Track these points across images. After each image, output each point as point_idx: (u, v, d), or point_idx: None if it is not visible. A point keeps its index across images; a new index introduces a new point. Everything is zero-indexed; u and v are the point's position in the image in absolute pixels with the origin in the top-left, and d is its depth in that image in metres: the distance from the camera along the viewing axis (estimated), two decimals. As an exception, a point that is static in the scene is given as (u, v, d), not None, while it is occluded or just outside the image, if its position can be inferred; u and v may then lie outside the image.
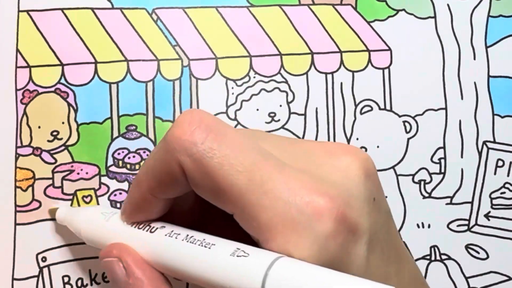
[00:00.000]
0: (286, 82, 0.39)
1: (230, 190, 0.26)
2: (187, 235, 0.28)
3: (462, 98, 0.41)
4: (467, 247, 0.40)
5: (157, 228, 0.29)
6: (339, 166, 0.28)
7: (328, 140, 0.40)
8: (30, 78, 0.37)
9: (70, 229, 0.34)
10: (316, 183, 0.26)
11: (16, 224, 0.36)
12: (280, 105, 0.39)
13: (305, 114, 0.39)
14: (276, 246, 0.25)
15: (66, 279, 0.36)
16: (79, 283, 0.36)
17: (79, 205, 0.37)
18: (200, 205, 0.31)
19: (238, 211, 0.26)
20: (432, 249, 0.40)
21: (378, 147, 0.40)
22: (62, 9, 0.37)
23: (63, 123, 0.37)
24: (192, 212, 0.31)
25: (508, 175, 0.41)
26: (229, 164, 0.26)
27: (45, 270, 0.36)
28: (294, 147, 0.29)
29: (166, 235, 0.28)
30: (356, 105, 0.40)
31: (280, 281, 0.24)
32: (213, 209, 0.28)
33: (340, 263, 0.25)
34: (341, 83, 0.40)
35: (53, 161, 0.37)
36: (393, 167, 0.40)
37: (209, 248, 0.27)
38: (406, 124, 0.40)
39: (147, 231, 0.29)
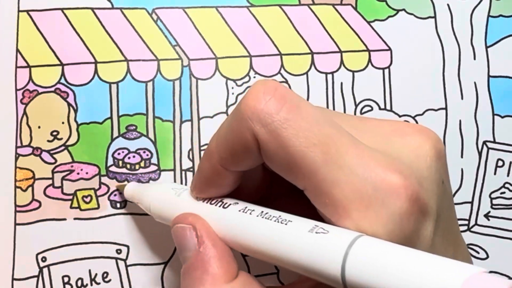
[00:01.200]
0: (286, 82, 0.39)
1: (305, 163, 0.25)
2: (262, 212, 0.27)
3: (462, 98, 0.41)
4: (467, 247, 0.40)
5: (230, 204, 0.29)
6: (411, 145, 0.27)
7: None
8: (30, 78, 0.37)
9: (138, 205, 0.35)
10: (390, 160, 0.26)
11: (16, 224, 0.36)
12: (280, 105, 0.39)
13: (305, 114, 0.39)
14: (350, 223, 0.25)
15: (66, 279, 0.36)
16: (79, 283, 0.36)
17: (79, 205, 0.37)
18: (267, 183, 0.30)
19: (311, 186, 0.26)
20: (432, 249, 0.40)
21: (378, 147, 0.40)
22: (62, 9, 0.37)
23: (63, 123, 0.37)
24: (258, 190, 0.31)
25: (508, 175, 0.41)
26: (304, 136, 0.25)
27: (45, 270, 0.36)
28: (364, 124, 0.29)
29: (240, 210, 0.28)
30: (356, 105, 0.40)
31: (361, 260, 0.23)
32: (279, 187, 0.28)
33: (410, 243, 0.25)
34: (341, 83, 0.40)
35: (53, 161, 0.37)
36: (393, 167, 0.40)
37: (286, 224, 0.26)
38: (406, 124, 0.40)
39: (219, 206, 0.29)
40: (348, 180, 0.25)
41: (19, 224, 0.36)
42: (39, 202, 0.36)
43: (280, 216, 0.26)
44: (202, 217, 0.29)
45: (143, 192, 0.34)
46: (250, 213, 0.27)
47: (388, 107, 0.40)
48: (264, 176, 0.30)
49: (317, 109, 0.27)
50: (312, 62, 0.40)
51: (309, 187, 0.26)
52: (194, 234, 0.29)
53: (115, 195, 0.37)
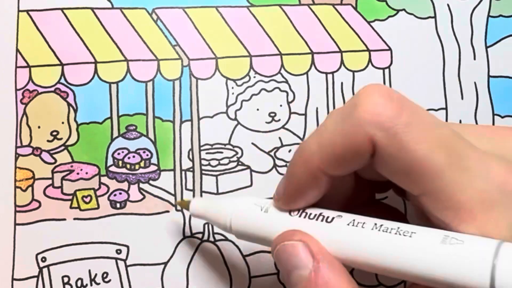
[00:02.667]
0: (287, 82, 0.39)
1: (428, 166, 0.25)
2: (375, 224, 0.26)
3: (462, 98, 0.41)
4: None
5: (333, 218, 0.27)
6: None
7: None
8: (30, 78, 0.37)
9: (209, 222, 0.32)
10: (508, 162, 0.25)
11: (16, 224, 0.36)
12: (281, 105, 0.39)
13: (305, 114, 0.39)
14: (475, 227, 0.24)
15: (65, 279, 0.36)
16: (79, 283, 0.36)
17: (79, 205, 0.37)
18: (349, 192, 0.29)
19: (433, 190, 0.25)
20: (433, 249, 0.40)
21: (378, 147, 0.40)
22: (62, 9, 0.37)
23: (63, 123, 0.37)
24: (338, 200, 0.30)
25: (508, 175, 0.41)
26: (427, 140, 0.25)
27: (45, 270, 0.36)
28: (470, 130, 0.28)
29: (348, 224, 0.26)
30: (356, 105, 0.40)
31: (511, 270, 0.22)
32: (359, 196, 0.27)
33: None
34: (342, 83, 0.40)
35: (52, 161, 0.37)
36: (393, 167, 0.40)
37: (410, 236, 0.25)
38: (406, 124, 0.40)
39: (322, 220, 0.27)
40: (472, 183, 0.25)
41: (19, 224, 0.36)
42: (39, 202, 0.36)
43: (399, 227, 0.25)
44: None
45: (219, 210, 0.31)
46: (362, 226, 0.26)
47: (388, 107, 0.40)
48: (348, 185, 0.29)
49: (431, 114, 0.27)
50: (312, 62, 0.40)
51: (429, 191, 0.25)
52: (308, 251, 0.27)
53: (114, 195, 0.37)
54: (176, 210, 0.37)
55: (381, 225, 0.25)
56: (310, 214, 0.28)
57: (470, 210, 0.24)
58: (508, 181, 0.25)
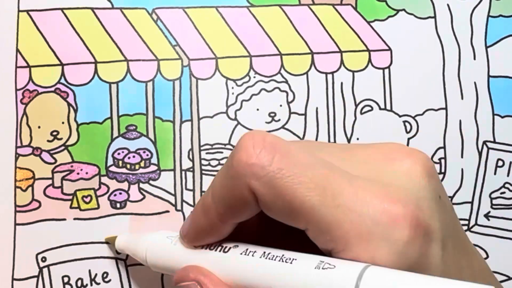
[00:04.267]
0: (286, 82, 0.39)
1: (303, 208, 0.26)
2: (264, 252, 0.27)
3: (462, 98, 0.41)
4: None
5: (230, 248, 0.29)
6: (402, 170, 0.28)
7: (329, 140, 0.40)
8: (30, 78, 0.37)
9: (133, 257, 0.34)
10: (385, 190, 0.26)
11: (16, 224, 0.36)
12: (280, 105, 0.39)
13: (305, 114, 0.39)
14: (353, 258, 0.25)
15: (66, 279, 0.36)
16: (79, 283, 0.36)
17: (79, 205, 0.37)
18: (264, 222, 0.30)
19: (312, 227, 0.26)
20: (432, 249, 0.40)
21: (378, 147, 0.40)
22: (62, 9, 0.37)
23: (63, 123, 0.37)
24: (256, 231, 0.31)
25: (508, 175, 0.41)
26: (300, 182, 0.26)
27: (45, 270, 0.36)
28: (351, 155, 0.29)
29: (241, 253, 0.28)
30: (356, 105, 0.40)
31: None
32: (277, 227, 0.28)
33: (419, 267, 0.25)
34: (341, 83, 0.40)
35: (53, 161, 0.37)
36: (393, 167, 0.40)
37: (291, 263, 0.26)
38: (406, 124, 0.40)
39: (220, 251, 0.29)
40: (346, 218, 0.25)
41: (19, 224, 0.36)
42: (39, 202, 0.36)
43: (283, 255, 0.27)
44: (203, 265, 0.29)
45: (137, 243, 0.33)
46: (253, 255, 0.28)
47: (388, 107, 0.40)
48: (261, 218, 0.30)
49: (305, 150, 0.28)
50: (312, 62, 0.40)
51: (310, 228, 0.26)
52: None
53: (115, 195, 0.37)
54: (176, 210, 0.37)
55: (269, 253, 0.27)
56: (211, 245, 0.30)
57: (346, 244, 0.26)
58: (383, 210, 0.25)
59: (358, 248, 0.25)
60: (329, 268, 0.25)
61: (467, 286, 0.22)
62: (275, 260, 0.27)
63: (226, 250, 0.29)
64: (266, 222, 0.30)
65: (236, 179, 0.27)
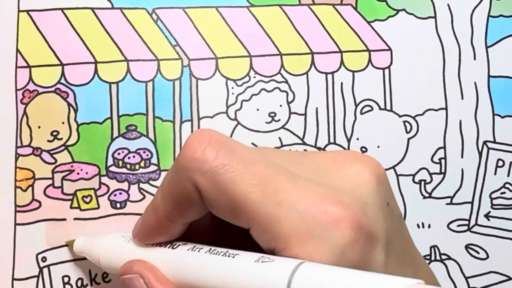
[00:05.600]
0: (286, 82, 0.39)
1: (245, 204, 0.26)
2: (210, 249, 0.28)
3: (462, 98, 0.41)
4: (467, 247, 0.40)
5: (179, 245, 0.29)
6: (350, 174, 0.28)
7: (329, 140, 0.40)
8: (30, 78, 0.37)
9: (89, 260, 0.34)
10: (329, 192, 0.26)
11: (16, 224, 0.36)
12: (280, 105, 0.39)
13: (305, 114, 0.39)
14: (293, 257, 0.25)
15: (66, 279, 0.36)
16: (79, 283, 0.36)
17: (79, 205, 0.37)
18: (217, 226, 0.31)
19: (254, 225, 0.26)
20: (432, 249, 0.40)
21: (378, 147, 0.40)
22: (62, 9, 0.37)
23: (63, 123, 0.37)
24: (208, 233, 0.31)
25: (508, 175, 0.41)
26: (242, 178, 0.26)
27: (45, 270, 0.36)
28: (303, 160, 0.29)
29: (188, 249, 0.29)
30: (356, 105, 0.40)
31: (304, 284, 0.24)
32: (229, 229, 0.28)
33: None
34: (342, 83, 0.40)
35: (53, 161, 0.37)
36: (393, 167, 0.40)
37: (233, 257, 0.27)
38: (407, 124, 0.40)
39: (168, 247, 0.29)
40: (287, 216, 0.26)
41: (19, 224, 0.36)
42: (39, 202, 0.36)
43: (227, 251, 0.27)
44: (150, 261, 0.30)
45: (92, 245, 0.34)
46: (199, 251, 0.28)
47: (388, 107, 0.40)
48: (213, 221, 0.31)
49: (253, 150, 0.28)
50: (312, 62, 0.40)
51: (252, 226, 0.27)
52: (143, 282, 0.29)
53: (115, 195, 0.37)
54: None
55: (214, 250, 0.28)
56: (162, 243, 0.30)
57: (287, 242, 0.26)
58: (324, 210, 0.25)
59: (298, 247, 0.25)
60: (268, 261, 0.25)
61: (395, 280, 0.23)
62: (218, 255, 0.27)
63: (174, 246, 0.29)
64: (220, 228, 0.30)
65: (181, 173, 0.27)
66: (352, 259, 0.25)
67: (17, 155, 0.36)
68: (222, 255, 0.27)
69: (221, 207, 0.27)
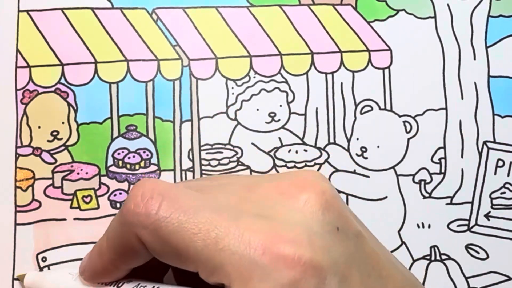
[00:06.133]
0: (286, 82, 0.39)
1: (188, 252, 0.27)
2: (153, 286, 0.29)
3: (462, 98, 0.41)
4: (467, 247, 0.40)
5: (123, 283, 0.30)
6: (296, 206, 0.28)
7: (328, 140, 0.39)
8: (30, 78, 0.37)
9: None
10: (273, 229, 0.27)
11: (16, 224, 0.36)
12: (280, 105, 0.39)
13: (305, 114, 0.39)
14: None
15: (66, 279, 0.36)
16: (79, 283, 0.36)
17: (79, 205, 0.37)
18: (164, 265, 0.31)
19: (200, 269, 0.27)
20: (432, 249, 0.40)
21: (378, 147, 0.40)
22: (62, 9, 0.37)
23: (63, 123, 0.37)
24: (158, 268, 0.32)
25: (508, 175, 0.41)
26: (184, 229, 0.27)
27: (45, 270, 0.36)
28: (250, 194, 0.30)
29: (134, 287, 0.30)
30: (356, 105, 0.40)
31: None
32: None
33: None
34: (341, 83, 0.40)
35: (53, 161, 0.37)
36: (393, 167, 0.40)
37: None
38: (406, 124, 0.40)
39: (114, 286, 0.30)
40: (229, 261, 0.26)
41: (19, 224, 0.36)
42: (39, 202, 0.36)
43: None
44: None
45: (41, 281, 0.34)
46: None
47: (388, 107, 0.40)
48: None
49: (197, 197, 0.28)
50: (312, 62, 0.40)
51: (198, 270, 0.27)
52: None
53: (115, 195, 0.37)
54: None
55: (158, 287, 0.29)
56: (110, 283, 0.31)
57: (232, 283, 0.26)
58: (263, 253, 0.26)
59: None
60: None
61: None
62: None
63: (120, 285, 0.30)
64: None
65: (125, 226, 0.28)
66: None
67: (17, 155, 0.36)
68: None
69: (167, 256, 0.28)
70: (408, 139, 0.40)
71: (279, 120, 0.39)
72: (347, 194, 0.39)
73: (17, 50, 0.37)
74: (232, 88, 0.39)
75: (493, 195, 0.41)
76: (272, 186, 0.30)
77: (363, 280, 0.28)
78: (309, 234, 0.27)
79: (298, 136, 0.39)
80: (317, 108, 0.40)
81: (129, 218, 0.28)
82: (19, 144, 0.36)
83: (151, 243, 0.28)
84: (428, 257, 0.40)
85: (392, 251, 0.38)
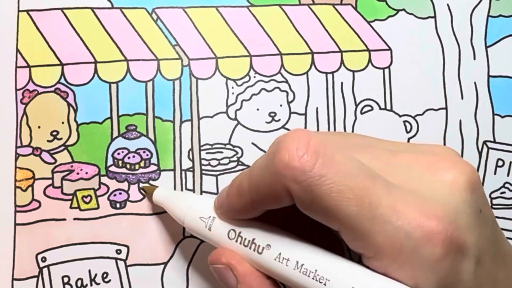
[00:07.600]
0: (287, 81, 0.39)
1: (338, 215, 0.26)
2: (297, 262, 0.28)
3: (462, 98, 0.41)
4: None
5: (263, 248, 0.30)
6: (445, 181, 0.28)
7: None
8: (30, 78, 0.37)
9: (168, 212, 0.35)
10: (423, 204, 0.27)
11: (16, 224, 0.36)
12: (281, 105, 0.39)
13: (305, 114, 0.39)
14: (379, 266, 0.26)
15: (66, 279, 0.36)
16: (79, 283, 0.36)
17: (79, 205, 0.37)
18: (294, 211, 0.31)
19: (345, 232, 0.27)
20: (433, 249, 0.40)
21: (378, 147, 0.40)
22: (62, 9, 0.37)
23: (63, 123, 0.37)
24: (285, 215, 0.31)
25: (508, 175, 0.41)
26: (338, 191, 0.26)
27: (45, 270, 0.36)
28: (394, 160, 0.29)
29: (275, 259, 0.29)
30: (356, 105, 0.40)
31: None
32: (306, 217, 0.29)
33: (447, 282, 0.26)
34: (342, 83, 0.40)
35: (53, 161, 0.37)
36: (393, 167, 0.40)
37: (324, 284, 0.27)
38: (407, 124, 0.40)
39: (254, 250, 0.30)
40: (381, 230, 0.26)
41: (19, 224, 0.36)
42: (39, 202, 0.36)
43: (316, 271, 0.28)
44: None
45: (175, 203, 0.34)
46: (286, 264, 0.29)
47: (388, 107, 0.40)
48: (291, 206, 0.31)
49: (351, 160, 0.28)
50: (312, 62, 0.40)
51: (343, 232, 0.27)
52: (232, 274, 0.30)
53: (114, 195, 0.37)
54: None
55: (302, 265, 0.28)
56: (245, 239, 0.31)
57: (378, 253, 0.26)
58: (418, 225, 0.26)
59: (387, 259, 0.26)
60: None
61: None
62: (308, 276, 0.28)
63: (260, 251, 0.30)
64: (295, 210, 0.30)
65: (275, 177, 0.27)
66: (440, 272, 0.26)
67: (17, 155, 0.36)
68: (312, 278, 0.28)
69: (313, 212, 0.27)
70: (408, 138, 0.40)
71: (279, 120, 0.39)
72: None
73: (17, 50, 0.37)
74: (232, 87, 0.39)
75: (493, 195, 0.41)
76: (416, 157, 0.29)
77: (492, 265, 0.28)
78: (456, 213, 0.27)
79: (298, 136, 0.39)
80: (317, 108, 0.40)
81: (282, 170, 0.27)
82: (19, 144, 0.36)
83: (301, 197, 0.27)
84: (428, 257, 0.40)
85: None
